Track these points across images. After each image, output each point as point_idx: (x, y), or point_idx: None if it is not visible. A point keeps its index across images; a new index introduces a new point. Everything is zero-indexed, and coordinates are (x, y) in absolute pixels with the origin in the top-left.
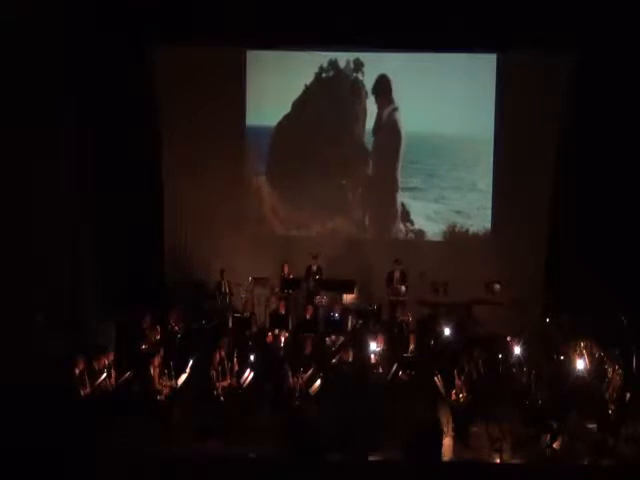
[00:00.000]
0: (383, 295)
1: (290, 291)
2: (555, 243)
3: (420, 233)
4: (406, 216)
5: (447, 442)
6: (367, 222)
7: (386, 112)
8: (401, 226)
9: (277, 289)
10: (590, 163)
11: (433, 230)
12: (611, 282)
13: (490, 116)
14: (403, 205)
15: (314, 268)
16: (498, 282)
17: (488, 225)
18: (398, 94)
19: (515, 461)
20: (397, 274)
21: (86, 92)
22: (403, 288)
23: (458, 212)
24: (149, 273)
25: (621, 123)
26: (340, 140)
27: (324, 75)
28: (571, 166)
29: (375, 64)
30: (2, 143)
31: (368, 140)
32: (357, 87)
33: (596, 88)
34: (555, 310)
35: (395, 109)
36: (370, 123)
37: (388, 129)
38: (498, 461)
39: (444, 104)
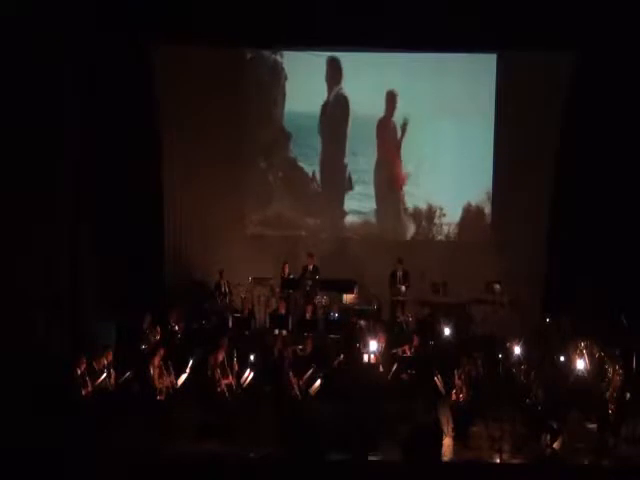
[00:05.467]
0: (381, 294)
1: (290, 291)
2: (555, 243)
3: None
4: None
5: (447, 442)
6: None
7: (332, 94)
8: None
9: (277, 289)
10: (590, 163)
11: (430, 225)
12: (611, 282)
13: (490, 116)
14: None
15: (310, 267)
16: (498, 282)
17: (488, 225)
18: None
19: (515, 461)
20: (400, 274)
21: (86, 92)
22: (403, 288)
23: (457, 211)
24: (149, 273)
25: (621, 123)
26: (261, 123)
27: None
28: (571, 166)
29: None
30: (2, 143)
31: (288, 123)
32: (276, 69)
33: (596, 88)
34: (555, 310)
35: (341, 89)
36: (289, 105)
37: (338, 112)
38: (498, 461)
39: (444, 104)
